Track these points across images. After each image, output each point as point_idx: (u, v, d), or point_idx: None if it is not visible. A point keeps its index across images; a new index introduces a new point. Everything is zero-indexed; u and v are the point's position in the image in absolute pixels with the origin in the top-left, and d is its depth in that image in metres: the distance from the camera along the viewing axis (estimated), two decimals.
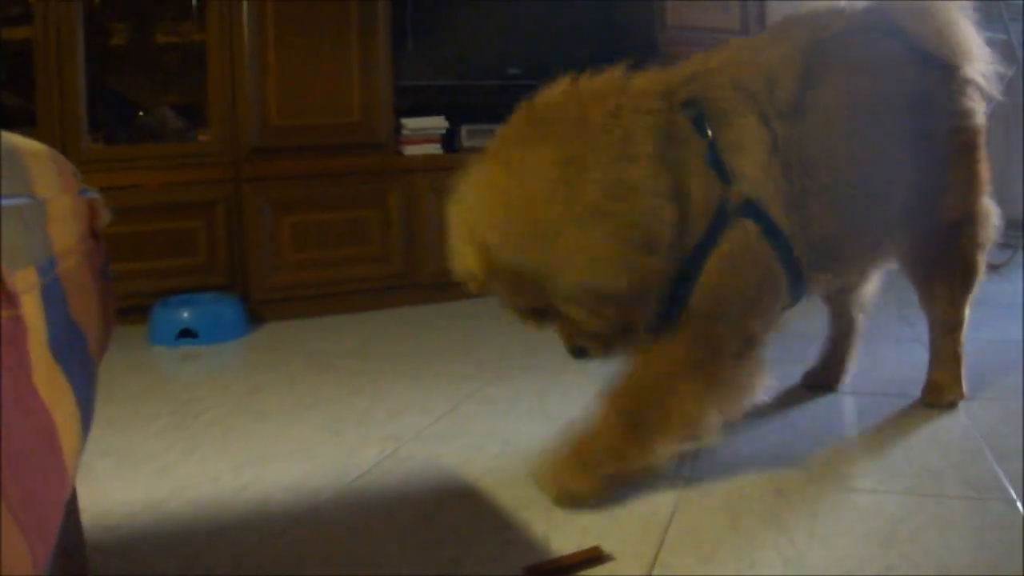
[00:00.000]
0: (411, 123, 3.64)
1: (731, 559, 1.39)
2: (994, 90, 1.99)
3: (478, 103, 3.88)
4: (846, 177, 1.76)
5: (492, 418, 2.15)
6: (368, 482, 1.77)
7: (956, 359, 2.11)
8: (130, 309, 3.07)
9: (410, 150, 3.64)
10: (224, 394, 2.43)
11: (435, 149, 3.68)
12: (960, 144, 1.96)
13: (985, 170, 2.02)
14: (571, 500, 1.60)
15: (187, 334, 3.03)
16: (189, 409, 2.28)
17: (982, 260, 2.04)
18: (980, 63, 1.95)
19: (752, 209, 1.64)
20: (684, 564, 1.38)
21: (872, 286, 2.20)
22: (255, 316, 3.33)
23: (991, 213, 2.03)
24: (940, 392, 2.09)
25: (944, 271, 2.04)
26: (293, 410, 2.27)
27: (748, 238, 1.64)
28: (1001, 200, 2.06)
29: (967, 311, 2.09)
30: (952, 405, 2.07)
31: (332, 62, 3.45)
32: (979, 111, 1.98)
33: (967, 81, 1.95)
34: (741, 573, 1.35)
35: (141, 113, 3.53)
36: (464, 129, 3.73)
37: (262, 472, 1.84)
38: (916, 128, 1.88)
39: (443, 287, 3.62)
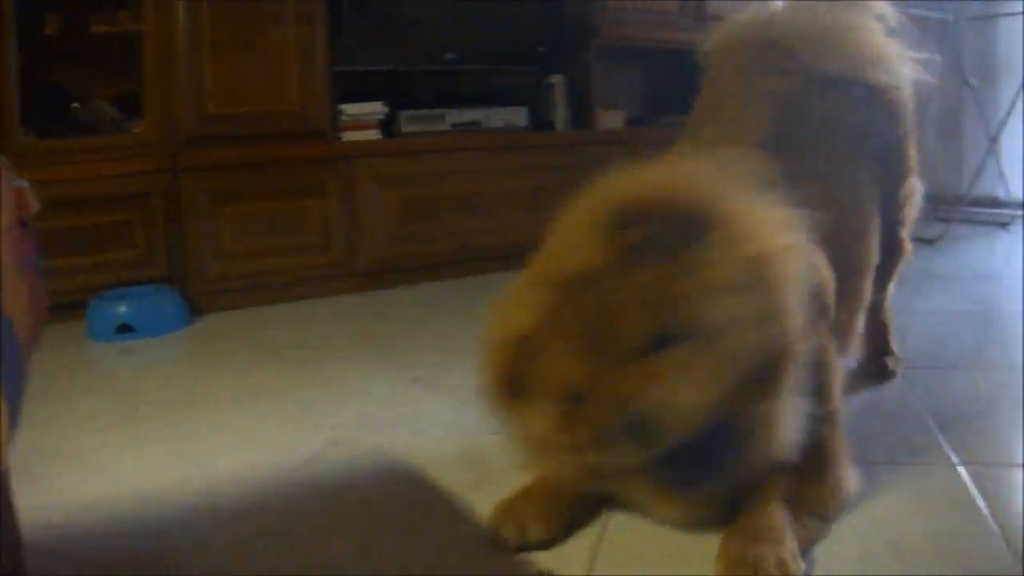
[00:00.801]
0: (350, 109, 3.62)
1: (673, 534, 1.41)
2: (920, 78, 1.93)
3: (416, 88, 3.87)
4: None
5: (435, 403, 2.15)
6: (314, 471, 1.76)
7: (888, 331, 2.17)
8: (67, 305, 3.02)
9: (349, 136, 3.62)
10: (165, 387, 2.40)
11: (374, 135, 3.66)
12: (890, 143, 1.94)
13: (913, 157, 2.01)
14: None
15: (126, 329, 2.99)
16: (129, 403, 2.25)
17: (906, 236, 2.05)
18: (894, 66, 1.88)
19: None
20: (631, 536, 1.40)
21: None
22: (195, 308, 3.29)
23: (915, 191, 2.03)
24: (880, 361, 2.14)
25: None
26: (236, 401, 2.24)
27: None
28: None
29: (893, 285, 2.13)
30: (892, 374, 2.13)
31: (269, 49, 3.41)
32: (904, 112, 1.95)
33: (886, 89, 1.89)
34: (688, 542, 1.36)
35: (75, 105, 3.46)
36: (403, 114, 3.72)
37: (206, 464, 1.82)
38: (854, 139, 1.86)
39: (383, 274, 3.62)
